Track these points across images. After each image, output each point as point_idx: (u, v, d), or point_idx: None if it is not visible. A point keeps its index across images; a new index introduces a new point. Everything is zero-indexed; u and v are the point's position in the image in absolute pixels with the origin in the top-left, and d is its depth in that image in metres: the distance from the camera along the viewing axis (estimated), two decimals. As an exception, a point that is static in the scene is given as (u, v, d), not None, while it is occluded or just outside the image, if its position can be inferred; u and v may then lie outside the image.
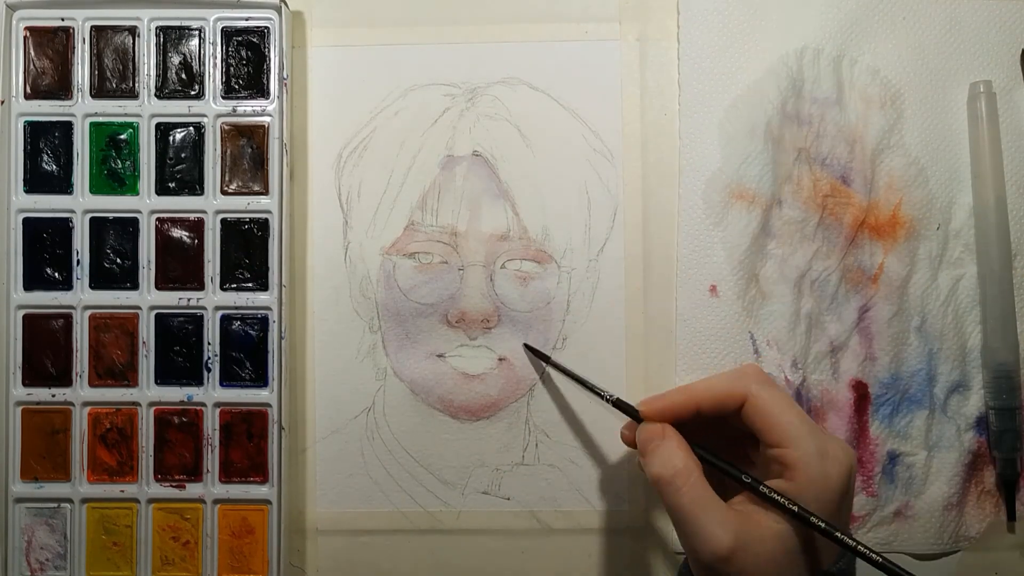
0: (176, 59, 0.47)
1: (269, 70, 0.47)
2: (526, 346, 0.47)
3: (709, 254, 0.47)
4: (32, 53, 0.47)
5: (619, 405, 0.41)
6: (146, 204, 0.47)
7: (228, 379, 0.46)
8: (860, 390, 0.47)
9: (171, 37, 0.47)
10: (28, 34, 0.47)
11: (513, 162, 0.47)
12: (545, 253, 0.47)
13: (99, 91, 0.47)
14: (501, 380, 0.47)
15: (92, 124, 0.47)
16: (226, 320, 0.46)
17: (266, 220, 0.46)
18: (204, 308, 0.46)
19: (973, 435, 0.47)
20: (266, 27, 0.47)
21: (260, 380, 0.46)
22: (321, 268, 0.48)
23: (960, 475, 0.46)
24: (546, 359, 0.46)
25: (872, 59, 0.47)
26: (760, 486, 0.35)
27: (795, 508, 0.34)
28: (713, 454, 0.37)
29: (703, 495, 0.35)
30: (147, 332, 0.46)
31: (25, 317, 0.46)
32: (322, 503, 0.48)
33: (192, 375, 0.46)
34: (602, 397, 0.42)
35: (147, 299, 0.46)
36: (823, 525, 0.33)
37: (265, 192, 0.46)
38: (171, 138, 0.47)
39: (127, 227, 0.47)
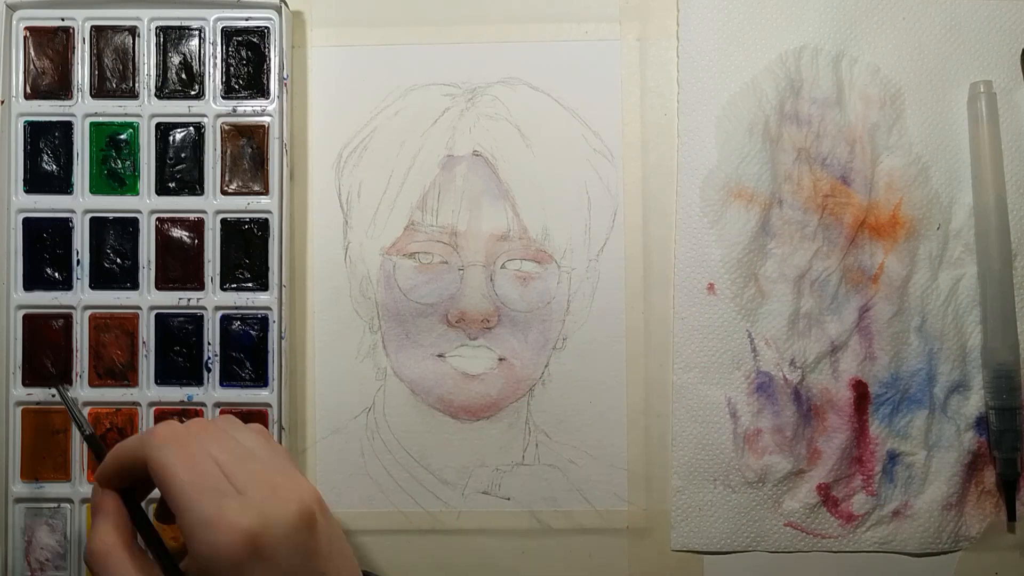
0: (176, 59, 0.47)
1: (269, 70, 0.47)
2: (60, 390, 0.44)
3: (706, 252, 0.47)
4: (32, 53, 0.47)
5: (91, 441, 0.40)
6: (146, 204, 0.47)
7: (228, 379, 0.46)
8: (860, 389, 0.47)
9: (171, 37, 0.47)
10: (28, 34, 0.47)
11: (513, 162, 0.47)
12: (545, 253, 0.47)
13: (99, 91, 0.47)
14: (501, 380, 0.47)
15: (92, 124, 0.47)
16: (226, 320, 0.46)
17: (266, 220, 0.46)
18: (204, 308, 0.46)
19: (973, 435, 0.47)
20: (266, 27, 0.47)
21: (260, 380, 0.46)
22: (321, 268, 0.48)
23: (960, 475, 0.46)
24: (57, 387, 0.45)
25: (872, 59, 0.47)
26: (162, 558, 0.34)
27: None
28: (146, 522, 0.36)
29: (123, 567, 0.33)
30: (147, 332, 0.46)
31: (25, 317, 0.46)
32: (322, 503, 0.47)
33: (192, 375, 0.46)
34: (81, 430, 0.41)
35: (147, 299, 0.46)
36: None
37: (265, 192, 0.46)
38: (171, 138, 0.47)
39: (127, 227, 0.47)
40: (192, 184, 0.47)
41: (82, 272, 0.47)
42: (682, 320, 0.47)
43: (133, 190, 0.47)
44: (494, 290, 0.47)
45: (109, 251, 0.47)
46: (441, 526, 0.47)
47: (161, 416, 0.46)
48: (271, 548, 0.31)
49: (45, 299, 0.46)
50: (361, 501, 0.47)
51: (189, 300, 0.46)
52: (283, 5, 0.46)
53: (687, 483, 0.46)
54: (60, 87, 0.47)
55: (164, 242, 0.47)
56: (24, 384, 0.46)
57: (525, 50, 0.48)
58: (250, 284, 0.46)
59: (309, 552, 0.32)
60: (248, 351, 0.46)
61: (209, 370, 0.46)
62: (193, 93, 0.47)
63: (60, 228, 0.47)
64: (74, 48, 0.47)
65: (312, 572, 0.32)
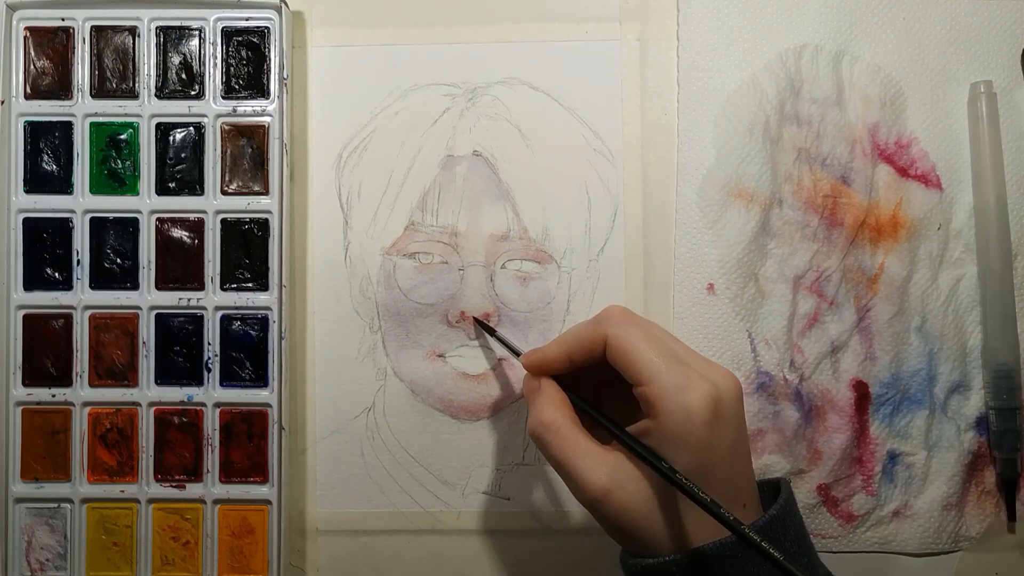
0: (176, 59, 0.47)
1: (269, 70, 0.47)
2: (476, 320, 0.47)
3: (706, 253, 0.47)
4: (32, 53, 0.47)
5: (479, 324, 0.45)
6: (146, 204, 0.47)
7: (228, 379, 0.46)
8: (860, 390, 0.47)
9: (171, 37, 0.47)
10: (28, 34, 0.47)
11: (513, 162, 0.47)
12: (545, 253, 0.47)
13: (99, 91, 0.47)
14: (501, 380, 0.47)
15: (92, 124, 0.47)
16: (226, 320, 0.46)
17: (266, 220, 0.46)
18: (204, 308, 0.46)
19: (973, 435, 0.47)
20: (266, 27, 0.47)
21: (260, 380, 0.46)
22: (321, 268, 0.48)
23: (960, 475, 0.46)
24: (491, 332, 0.46)
25: (872, 59, 0.47)
26: (618, 431, 0.35)
27: (646, 455, 0.34)
28: (586, 401, 0.38)
29: (573, 444, 0.36)
30: (147, 332, 0.46)
31: (25, 317, 0.46)
32: (322, 503, 0.48)
33: (192, 375, 0.46)
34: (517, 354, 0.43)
35: (147, 299, 0.46)
36: (677, 478, 0.33)
37: (265, 192, 0.46)
38: (171, 138, 0.47)
39: (127, 227, 0.47)
40: (192, 184, 0.47)
41: (82, 272, 0.47)
42: (682, 320, 0.47)
43: (133, 190, 0.47)
44: (494, 290, 0.47)
45: (109, 251, 0.47)
46: (441, 526, 0.47)
47: (161, 416, 0.46)
48: (725, 411, 0.34)
49: (45, 299, 0.46)
50: (361, 501, 0.47)
51: (189, 300, 0.46)
52: (283, 5, 0.46)
53: (687, 483, 0.46)
54: (60, 87, 0.47)
55: (164, 242, 0.47)
56: (24, 384, 0.46)
57: (525, 50, 0.48)
58: (250, 284, 0.46)
59: (743, 421, 0.36)
60: (248, 351, 0.46)
61: (209, 370, 0.46)
62: (193, 93, 0.47)
63: (60, 228, 0.47)
64: (74, 48, 0.47)
65: (745, 441, 0.36)
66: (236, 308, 0.46)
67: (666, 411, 0.34)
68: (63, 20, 0.47)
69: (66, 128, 0.47)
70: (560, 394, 0.38)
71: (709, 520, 0.33)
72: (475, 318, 0.47)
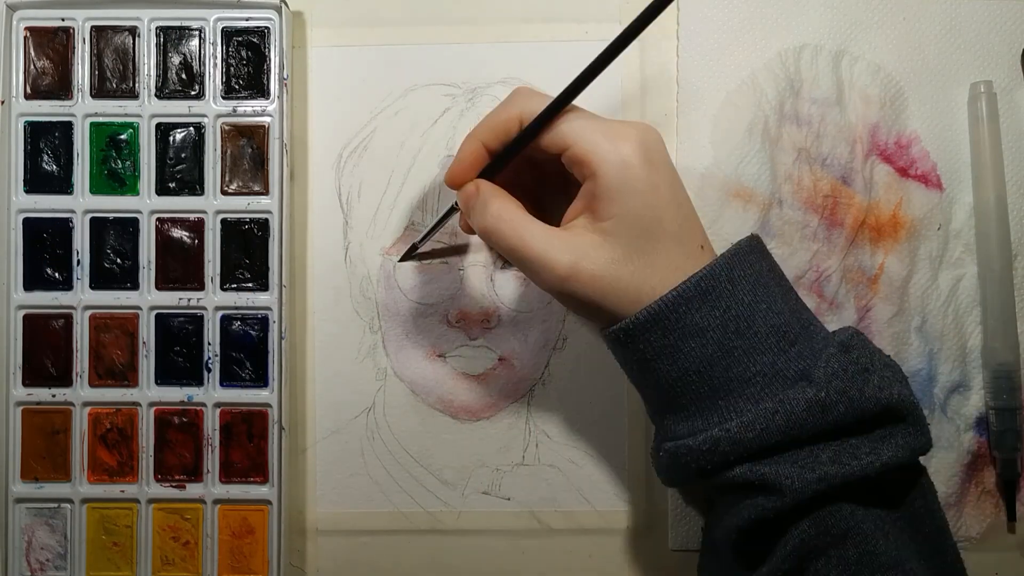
0: (176, 59, 0.47)
1: (269, 70, 0.47)
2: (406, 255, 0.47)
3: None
4: (32, 53, 0.47)
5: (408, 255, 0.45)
6: (146, 204, 0.47)
7: (228, 379, 0.46)
8: (860, 390, 0.47)
9: (171, 37, 0.47)
10: (28, 34, 0.47)
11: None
12: (545, 253, 0.47)
13: (99, 91, 0.47)
14: (501, 380, 0.47)
15: (92, 124, 0.47)
16: (226, 320, 0.46)
17: (266, 220, 0.46)
18: (204, 308, 0.46)
19: (973, 435, 0.47)
20: (266, 27, 0.47)
21: (260, 380, 0.46)
22: (321, 268, 0.48)
23: (959, 475, 0.46)
24: (412, 251, 0.46)
25: (872, 58, 0.47)
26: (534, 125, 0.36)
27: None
28: (506, 151, 0.38)
29: (529, 228, 0.35)
30: (147, 332, 0.46)
31: (25, 317, 0.46)
32: (322, 503, 0.48)
33: (192, 375, 0.46)
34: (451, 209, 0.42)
35: (147, 299, 0.46)
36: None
37: (265, 192, 0.46)
38: (171, 138, 0.47)
39: (127, 227, 0.47)
40: (192, 184, 0.47)
41: (82, 272, 0.47)
42: (682, 320, 0.47)
43: (133, 190, 0.47)
44: (494, 290, 0.47)
45: (109, 251, 0.47)
46: (441, 526, 0.47)
47: (161, 416, 0.46)
48: (655, 155, 0.35)
49: (45, 299, 0.46)
50: (361, 501, 0.47)
51: (189, 300, 0.46)
52: (283, 5, 0.46)
53: (687, 483, 0.46)
54: (60, 87, 0.47)
55: (164, 242, 0.47)
56: (24, 384, 0.46)
57: (525, 50, 0.48)
58: (250, 284, 0.46)
59: (673, 167, 0.36)
60: (248, 351, 0.46)
61: (209, 370, 0.46)
62: (193, 93, 0.47)
63: (60, 228, 0.47)
64: (74, 48, 0.47)
65: (681, 184, 0.36)
66: (236, 308, 0.46)
67: (601, 163, 0.34)
68: (63, 20, 0.47)
69: (66, 128, 0.47)
70: (500, 189, 0.38)
71: (672, 270, 0.34)
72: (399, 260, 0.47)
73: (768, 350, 0.34)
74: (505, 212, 0.36)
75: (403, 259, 0.47)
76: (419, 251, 0.47)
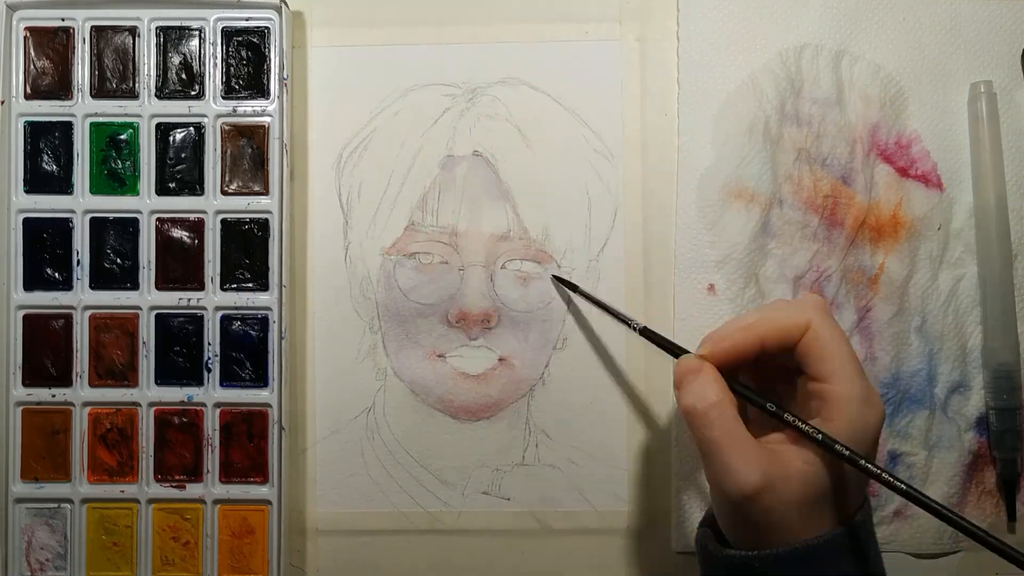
0: (176, 59, 0.47)
1: (269, 70, 0.47)
2: (554, 277, 0.47)
3: (706, 253, 0.47)
4: (32, 53, 0.47)
5: (647, 334, 0.41)
6: (146, 204, 0.47)
7: (228, 379, 0.46)
8: (860, 390, 0.47)
9: (171, 37, 0.47)
10: (28, 34, 0.47)
11: (513, 162, 0.47)
12: (545, 253, 0.47)
13: (99, 91, 0.47)
14: (501, 380, 0.47)
15: (92, 124, 0.47)
16: (226, 320, 0.46)
17: (266, 220, 0.46)
18: (204, 308, 0.46)
19: (973, 435, 0.47)
20: (266, 27, 0.47)
21: (260, 380, 0.46)
22: (321, 268, 0.48)
23: (960, 475, 0.46)
24: (573, 288, 0.46)
25: (872, 58, 0.47)
26: (788, 416, 0.34)
27: (819, 436, 0.33)
28: (747, 386, 0.37)
29: (734, 430, 0.34)
30: (147, 332, 0.46)
31: (25, 317, 0.46)
32: (322, 503, 0.48)
33: (192, 375, 0.46)
34: (630, 326, 0.42)
35: (147, 299, 0.46)
36: (847, 453, 0.33)
37: (265, 192, 0.46)
38: (171, 138, 0.47)
39: (127, 227, 0.47)
40: (192, 184, 0.47)
41: (82, 272, 0.47)
42: (682, 321, 0.47)
43: (133, 190, 0.47)
44: (494, 290, 0.47)
45: (109, 251, 0.47)
46: (441, 526, 0.47)
47: (161, 416, 0.46)
48: (879, 433, 0.35)
49: (45, 299, 0.46)
50: (361, 501, 0.47)
51: (189, 300, 0.46)
52: (283, 5, 0.46)
53: (687, 483, 0.46)
54: (60, 87, 0.47)
55: (164, 242, 0.47)
56: (24, 384, 0.46)
57: (525, 50, 0.48)
58: (250, 284, 0.46)
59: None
60: (248, 351, 0.46)
61: (209, 370, 0.46)
62: (193, 93, 0.47)
63: (60, 228, 0.47)
64: (74, 48, 0.47)
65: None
66: (236, 308, 0.46)
67: (846, 417, 0.34)
68: (63, 20, 0.47)
69: (66, 128, 0.47)
70: (722, 379, 0.36)
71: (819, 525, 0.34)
72: (554, 276, 0.47)
73: None
74: (720, 404, 0.35)
75: (558, 279, 0.47)
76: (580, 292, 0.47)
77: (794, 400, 0.37)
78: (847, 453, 0.33)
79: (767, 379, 0.39)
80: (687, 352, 0.38)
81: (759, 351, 0.36)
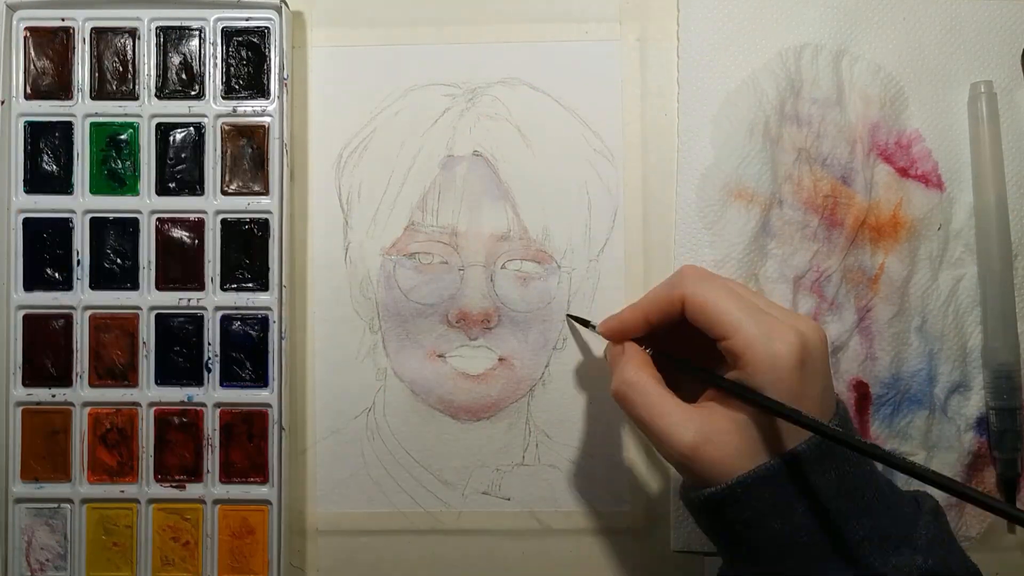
0: (176, 59, 0.47)
1: (269, 70, 0.47)
2: (570, 316, 0.47)
3: (706, 253, 0.47)
4: (32, 53, 0.47)
5: (574, 319, 0.46)
6: (146, 204, 0.47)
7: (228, 379, 0.46)
8: (861, 390, 0.47)
9: (171, 37, 0.47)
10: (28, 34, 0.47)
11: (513, 162, 0.47)
12: (545, 253, 0.47)
13: (99, 91, 0.47)
14: (501, 380, 0.47)
15: (92, 124, 0.47)
16: (226, 320, 0.46)
17: (266, 220, 0.46)
18: (204, 308, 0.46)
19: (973, 435, 0.47)
20: (266, 27, 0.47)
21: (260, 380, 0.46)
22: (321, 268, 0.48)
23: (959, 475, 0.46)
24: (587, 324, 0.46)
25: (872, 58, 0.47)
26: (703, 372, 0.37)
27: (742, 391, 0.35)
28: (669, 354, 0.39)
29: (659, 401, 0.36)
30: (147, 332, 0.46)
31: (25, 317, 0.46)
32: (322, 503, 0.48)
33: (192, 375, 0.46)
34: (588, 326, 0.45)
35: (147, 299, 0.46)
36: (763, 401, 0.34)
37: (265, 192, 0.46)
38: (171, 138, 0.47)
39: (127, 227, 0.47)
40: (192, 184, 0.47)
41: (82, 272, 0.47)
42: (682, 320, 0.47)
43: (133, 190, 0.47)
44: (494, 290, 0.47)
45: (109, 251, 0.47)
46: (441, 526, 0.47)
47: (161, 416, 0.46)
48: (812, 359, 0.35)
49: (45, 299, 0.46)
50: (361, 501, 0.47)
51: (189, 300, 0.46)
52: (283, 5, 0.46)
53: (687, 483, 0.46)
54: (60, 87, 0.47)
55: (164, 242, 0.47)
56: (24, 384, 0.46)
57: (525, 50, 0.48)
58: (250, 284, 0.46)
59: (829, 371, 0.37)
60: (248, 351, 0.46)
61: (209, 370, 0.46)
62: (193, 93, 0.47)
63: (60, 228, 0.47)
64: (74, 48, 0.47)
65: (832, 390, 0.36)
66: (236, 308, 0.46)
67: (753, 361, 0.34)
68: (63, 20, 0.47)
69: (66, 128, 0.47)
70: (643, 355, 0.39)
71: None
72: (569, 315, 0.47)
73: (873, 513, 0.35)
74: (639, 382, 0.37)
75: (572, 317, 0.47)
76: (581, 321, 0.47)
77: (725, 362, 0.37)
78: (779, 407, 0.34)
79: (703, 346, 0.39)
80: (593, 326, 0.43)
81: (648, 327, 0.39)
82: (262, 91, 0.47)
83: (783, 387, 0.34)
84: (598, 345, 0.47)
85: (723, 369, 0.36)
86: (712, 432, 0.35)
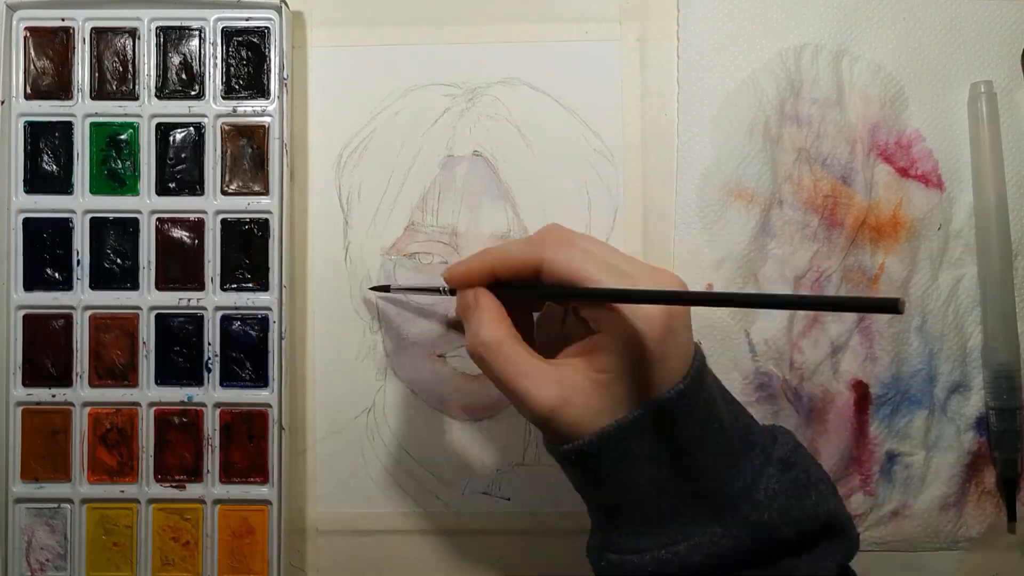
0: (176, 59, 0.47)
1: (269, 70, 0.47)
2: (372, 288, 0.47)
3: (706, 253, 0.47)
4: (32, 53, 0.47)
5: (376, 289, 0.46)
6: (146, 204, 0.47)
7: (228, 379, 0.46)
8: (860, 390, 0.47)
9: (171, 37, 0.47)
10: (28, 34, 0.47)
11: (513, 162, 0.47)
12: (545, 253, 0.47)
13: (99, 91, 0.47)
14: (501, 380, 0.47)
15: (92, 124, 0.47)
16: (226, 320, 0.46)
17: (266, 220, 0.46)
18: (204, 308, 0.46)
19: (973, 435, 0.47)
20: (266, 27, 0.47)
21: (260, 380, 0.46)
22: (321, 268, 0.48)
23: (959, 475, 0.46)
24: (385, 289, 0.46)
25: (872, 58, 0.47)
26: (552, 291, 0.36)
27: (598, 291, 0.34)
28: (517, 287, 0.37)
29: (518, 360, 0.35)
30: (147, 332, 0.46)
31: (25, 317, 0.46)
32: (322, 503, 0.48)
33: (192, 375, 0.46)
34: (441, 292, 0.42)
35: (147, 299, 0.46)
36: (600, 293, 0.33)
37: (265, 192, 0.46)
38: (171, 138, 0.47)
39: (127, 227, 0.47)
40: (192, 184, 0.47)
41: (82, 272, 0.47)
42: (682, 320, 0.47)
43: (133, 190, 0.47)
44: (494, 290, 0.47)
45: (109, 251, 0.47)
46: (441, 526, 0.47)
47: (161, 416, 0.46)
48: (676, 320, 0.34)
49: (45, 299, 0.46)
50: (361, 501, 0.47)
51: (189, 300, 0.46)
52: (283, 5, 0.46)
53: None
54: (60, 87, 0.47)
55: (164, 242, 0.47)
56: (24, 384, 0.46)
57: (525, 50, 0.48)
58: (250, 284, 0.46)
59: (689, 320, 0.35)
60: (248, 351, 0.46)
61: (209, 370, 0.46)
62: (193, 93, 0.47)
63: (60, 228, 0.47)
64: (74, 48, 0.47)
65: (690, 337, 0.35)
66: (236, 308, 0.46)
67: (616, 332, 0.34)
68: (63, 20, 0.47)
69: (66, 128, 0.47)
70: (500, 309, 0.37)
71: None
72: (371, 288, 0.47)
73: (716, 470, 0.35)
74: (495, 341, 0.35)
75: (374, 288, 0.47)
76: (395, 288, 0.46)
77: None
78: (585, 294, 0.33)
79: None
80: (438, 289, 0.41)
81: (491, 278, 0.37)
82: (262, 91, 0.47)
83: (648, 348, 0.33)
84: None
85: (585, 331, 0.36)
86: (571, 394, 0.34)
